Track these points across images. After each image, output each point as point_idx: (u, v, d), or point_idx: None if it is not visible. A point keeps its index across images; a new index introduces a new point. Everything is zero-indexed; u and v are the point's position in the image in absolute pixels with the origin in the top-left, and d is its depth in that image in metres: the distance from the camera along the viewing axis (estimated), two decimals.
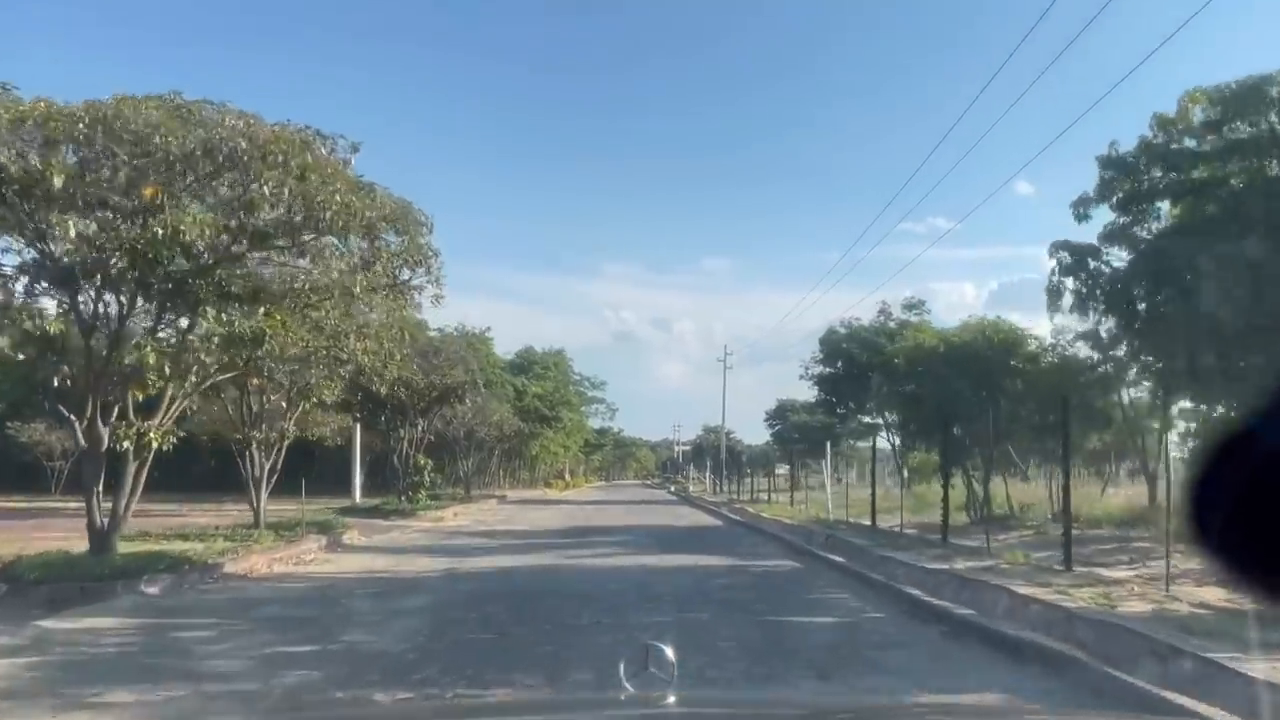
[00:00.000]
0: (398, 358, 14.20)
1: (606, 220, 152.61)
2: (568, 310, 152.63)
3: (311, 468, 45.74)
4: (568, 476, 70.78)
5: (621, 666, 2.02)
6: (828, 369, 41.72)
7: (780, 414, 67.73)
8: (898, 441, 29.19)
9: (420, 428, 28.65)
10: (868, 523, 22.98)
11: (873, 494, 21.78)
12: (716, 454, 73.42)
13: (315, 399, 14.59)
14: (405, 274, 12.01)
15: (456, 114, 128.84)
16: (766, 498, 37.06)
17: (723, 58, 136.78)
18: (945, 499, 16.75)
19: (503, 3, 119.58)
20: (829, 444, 32.59)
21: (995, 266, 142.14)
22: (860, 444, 58.52)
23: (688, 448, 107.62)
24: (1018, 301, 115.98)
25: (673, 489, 67.11)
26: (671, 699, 1.95)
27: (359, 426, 29.91)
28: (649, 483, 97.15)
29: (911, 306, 41.93)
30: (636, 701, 2.04)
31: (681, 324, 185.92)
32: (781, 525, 23.35)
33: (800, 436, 56.45)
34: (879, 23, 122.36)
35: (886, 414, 26.38)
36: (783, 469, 51.23)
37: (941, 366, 21.08)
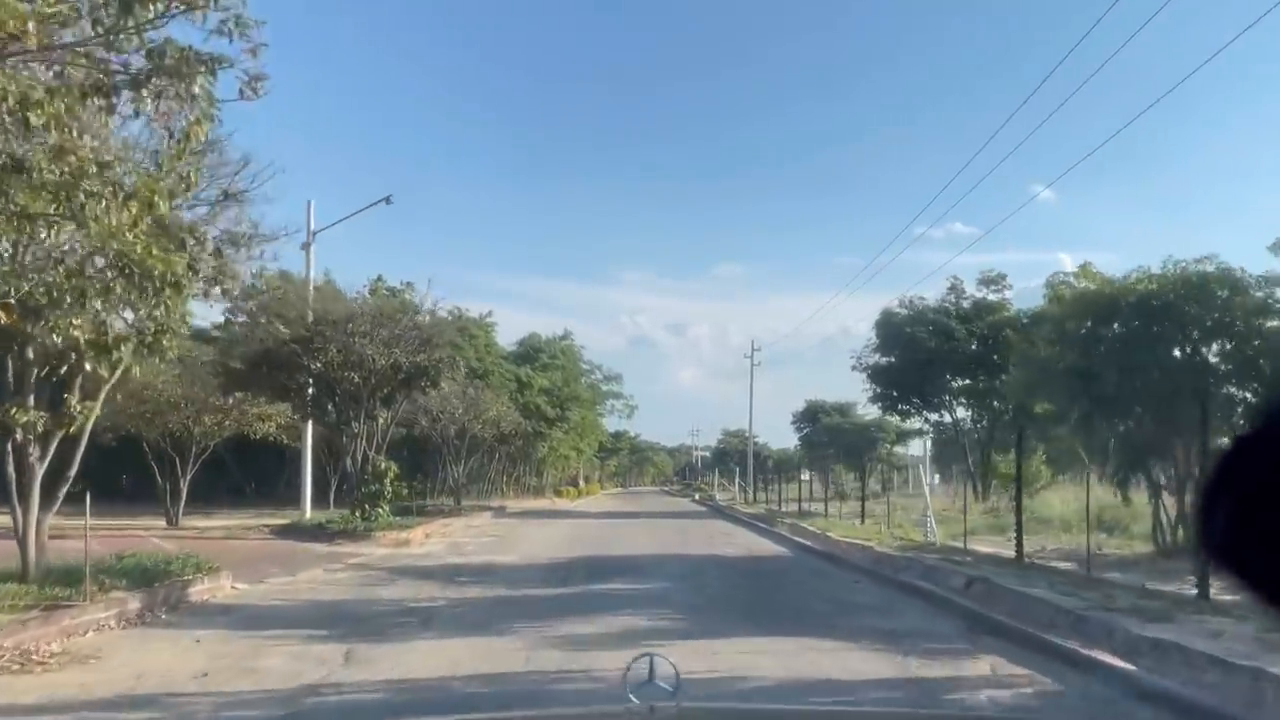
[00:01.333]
0: (196, 238, 7.11)
1: (621, 228, 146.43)
2: (582, 316, 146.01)
3: (281, 473, 39.18)
4: (581, 483, 63.47)
5: (626, 678, 1.92)
6: (883, 359, 34.89)
7: (810, 416, 61.25)
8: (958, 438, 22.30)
9: (382, 421, 21.85)
10: (987, 550, 16.24)
11: (1018, 514, 14.80)
12: (740, 459, 66.85)
13: (62, 338, 7.66)
14: (164, 28, 5.16)
15: (465, 119, 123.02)
16: (824, 510, 30.05)
17: (737, 79, 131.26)
18: (1202, 530, 9.79)
19: (522, 13, 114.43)
20: (926, 444, 25.63)
21: (1013, 271, 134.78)
22: (898, 449, 52.72)
23: (706, 453, 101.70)
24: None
25: (698, 497, 60.09)
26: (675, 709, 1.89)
27: (308, 422, 23.13)
28: (669, 490, 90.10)
29: (990, 281, 34.91)
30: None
31: (697, 329, 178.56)
32: (872, 555, 16.50)
33: (829, 440, 50.32)
34: (905, 45, 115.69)
35: (1024, 399, 19.27)
36: (805, 475, 46.41)
37: (1125, 329, 14.04)
